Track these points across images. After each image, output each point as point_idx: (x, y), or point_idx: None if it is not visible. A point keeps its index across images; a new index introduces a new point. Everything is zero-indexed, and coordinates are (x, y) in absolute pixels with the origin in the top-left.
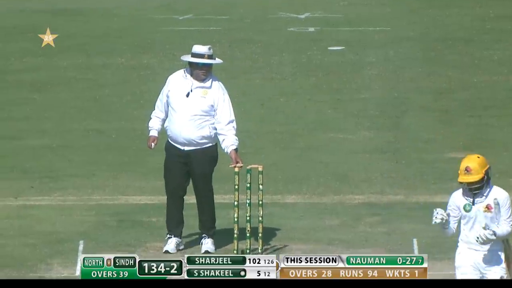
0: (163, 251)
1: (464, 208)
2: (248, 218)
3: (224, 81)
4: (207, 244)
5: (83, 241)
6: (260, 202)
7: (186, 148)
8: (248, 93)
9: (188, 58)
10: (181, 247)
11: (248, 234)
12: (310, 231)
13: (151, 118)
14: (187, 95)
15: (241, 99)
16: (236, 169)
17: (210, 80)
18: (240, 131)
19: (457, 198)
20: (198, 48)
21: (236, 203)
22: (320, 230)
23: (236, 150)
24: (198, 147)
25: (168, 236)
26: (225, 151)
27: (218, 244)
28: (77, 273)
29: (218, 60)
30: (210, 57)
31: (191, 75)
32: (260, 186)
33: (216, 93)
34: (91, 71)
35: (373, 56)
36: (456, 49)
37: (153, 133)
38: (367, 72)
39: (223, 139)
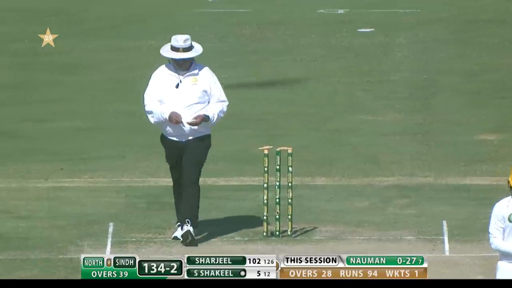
0: (172, 237)
1: (509, 218)
2: (277, 200)
3: (254, 63)
4: (179, 231)
5: (113, 223)
6: (290, 184)
7: (183, 139)
8: (278, 75)
9: (166, 54)
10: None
11: (277, 216)
12: (339, 213)
13: (150, 106)
14: (177, 86)
15: (271, 81)
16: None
17: (196, 66)
18: (269, 113)
19: (502, 208)
20: (173, 42)
21: (265, 185)
22: (349, 212)
23: (205, 118)
24: (196, 136)
25: (177, 225)
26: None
27: (247, 226)
28: (107, 255)
29: (195, 53)
30: (186, 49)
31: (174, 68)
32: (290, 168)
33: (206, 78)
34: (122, 53)
35: (403, 37)
36: (487, 30)
37: (166, 109)
38: (397, 54)
39: (209, 108)
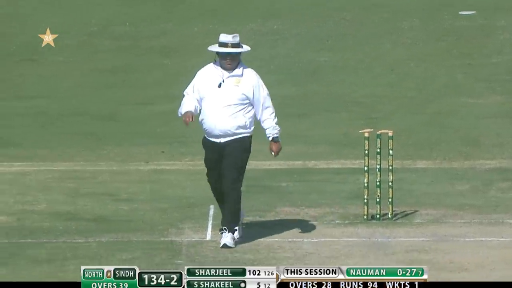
0: (220, 245)
1: None
2: (378, 183)
3: (353, 47)
4: (226, 238)
5: (213, 205)
6: (390, 167)
7: (222, 140)
8: (378, 58)
9: (213, 48)
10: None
11: (378, 200)
12: (441, 197)
13: (182, 104)
14: (219, 86)
15: (371, 64)
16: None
17: (241, 68)
18: (370, 96)
19: None
20: (222, 37)
21: (366, 168)
22: (450, 196)
23: (277, 139)
24: (234, 137)
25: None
26: (268, 138)
27: (348, 209)
28: (208, 238)
29: (243, 48)
30: (235, 45)
31: (221, 66)
32: (390, 151)
33: (250, 81)
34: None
35: (505, 20)
36: None
37: (188, 108)
38: (498, 36)
39: (266, 128)
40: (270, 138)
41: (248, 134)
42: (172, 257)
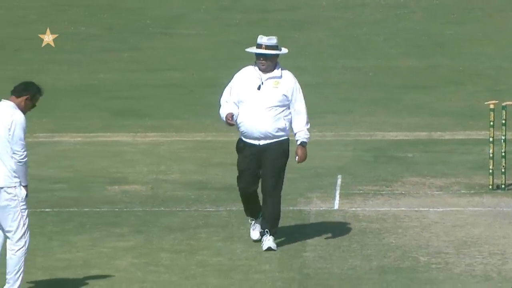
0: (253, 240)
1: None
2: (503, 154)
3: (479, 20)
4: (269, 241)
5: (341, 175)
6: None
7: (262, 143)
8: (504, 31)
9: (249, 49)
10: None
11: (503, 170)
12: None
13: (221, 107)
14: (259, 88)
15: (496, 37)
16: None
17: (279, 69)
18: (495, 68)
19: None
20: (258, 39)
21: (491, 139)
22: None
23: (304, 144)
24: (274, 140)
25: (251, 221)
26: (297, 142)
27: (473, 179)
28: (335, 207)
29: (278, 51)
30: (269, 47)
31: (259, 68)
32: None
33: (288, 83)
34: (349, 10)
35: None
36: None
37: (228, 110)
38: None
39: (297, 131)
40: (299, 142)
41: (287, 137)
42: (300, 225)
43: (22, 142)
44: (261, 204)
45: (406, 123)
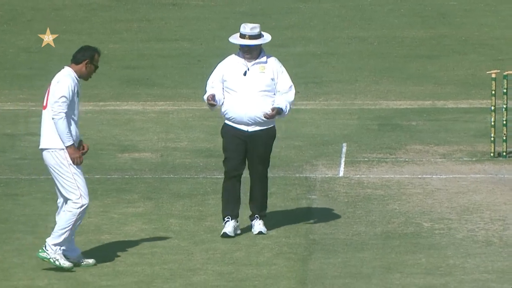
0: (221, 234)
1: None
2: (504, 122)
3: None
4: (259, 225)
5: (346, 143)
6: None
7: (251, 129)
8: (507, 1)
9: (233, 39)
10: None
11: (504, 138)
12: None
13: (206, 91)
14: (245, 74)
15: (499, 7)
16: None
17: (265, 56)
18: (497, 38)
19: None
20: (242, 28)
21: (492, 107)
22: None
23: (280, 111)
24: (263, 127)
25: (225, 220)
26: (273, 104)
27: (475, 147)
28: (341, 174)
29: (261, 40)
30: (253, 37)
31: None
32: None
33: (274, 66)
34: None
35: None
36: None
37: (210, 92)
38: None
39: (279, 100)
40: (276, 106)
41: (274, 124)
42: (306, 192)
43: (59, 100)
44: (240, 199)
45: (410, 92)
